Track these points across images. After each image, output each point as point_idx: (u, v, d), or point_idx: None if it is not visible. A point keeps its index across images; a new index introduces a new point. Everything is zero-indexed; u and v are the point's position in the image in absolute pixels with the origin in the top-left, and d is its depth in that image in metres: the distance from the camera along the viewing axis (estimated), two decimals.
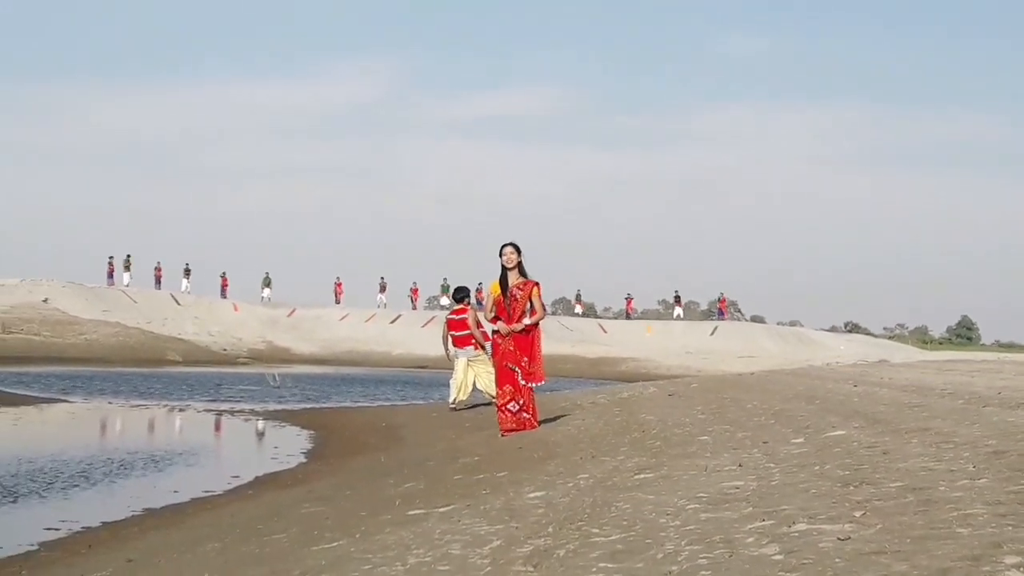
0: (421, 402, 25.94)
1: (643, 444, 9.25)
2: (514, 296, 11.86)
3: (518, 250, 11.97)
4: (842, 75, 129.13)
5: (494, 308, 12.03)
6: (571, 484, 7.21)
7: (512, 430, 11.85)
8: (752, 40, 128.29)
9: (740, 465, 6.77)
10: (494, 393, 17.34)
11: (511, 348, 11.87)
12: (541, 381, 12.08)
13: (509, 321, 11.85)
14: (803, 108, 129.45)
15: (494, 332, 12.07)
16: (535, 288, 11.93)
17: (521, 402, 11.91)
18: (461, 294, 17.82)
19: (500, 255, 11.96)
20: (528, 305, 11.93)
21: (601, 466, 8.07)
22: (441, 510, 6.99)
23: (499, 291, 11.95)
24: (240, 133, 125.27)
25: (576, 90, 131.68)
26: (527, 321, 11.87)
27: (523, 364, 11.86)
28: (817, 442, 7.57)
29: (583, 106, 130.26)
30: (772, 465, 6.59)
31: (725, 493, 5.64)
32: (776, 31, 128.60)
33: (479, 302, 60.52)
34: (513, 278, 11.91)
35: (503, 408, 11.96)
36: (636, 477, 7.03)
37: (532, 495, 6.93)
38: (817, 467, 6.22)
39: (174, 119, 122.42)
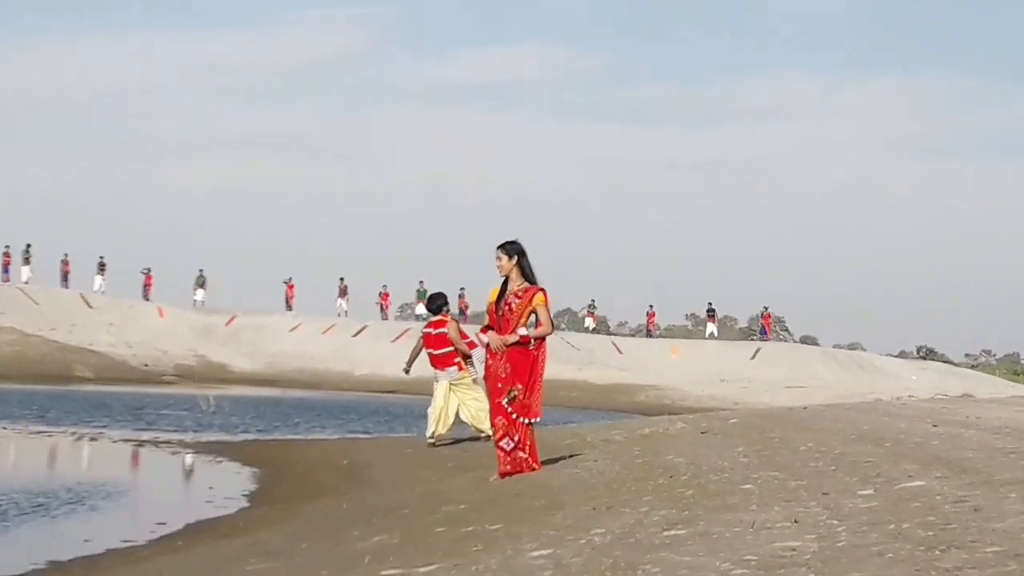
0: (391, 435, 25.92)
1: (672, 493, 9.27)
2: (509, 305, 11.72)
3: (512, 253, 11.73)
4: (932, 40, 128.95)
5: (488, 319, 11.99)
6: (584, 541, 7.21)
7: (507, 473, 11.81)
8: None
9: (796, 521, 6.78)
10: (483, 427, 17.41)
11: (505, 370, 11.68)
12: (536, 417, 11.84)
13: (501, 335, 11.73)
14: (880, 80, 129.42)
15: (486, 347, 12.00)
16: (539, 295, 11.74)
17: (516, 439, 11.79)
18: (437, 302, 17.89)
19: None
20: (530, 318, 11.83)
21: (620, 519, 8.08)
22: (422, 570, 7.00)
23: (495, 298, 11.89)
24: (169, 95, 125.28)
25: (594, 50, 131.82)
26: (523, 331, 11.66)
27: (517, 392, 11.67)
28: (890, 494, 7.58)
29: (602, 71, 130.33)
30: (836, 522, 6.60)
31: (779, 556, 5.64)
32: None
33: (461, 311, 60.82)
34: (514, 284, 11.81)
35: (498, 445, 11.92)
36: (665, 534, 7.03)
37: (536, 553, 6.93)
38: (892, 526, 6.23)
39: (86, 77, 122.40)
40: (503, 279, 11.84)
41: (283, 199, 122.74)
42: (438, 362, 17.64)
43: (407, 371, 18.66)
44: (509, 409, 11.67)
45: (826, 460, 10.28)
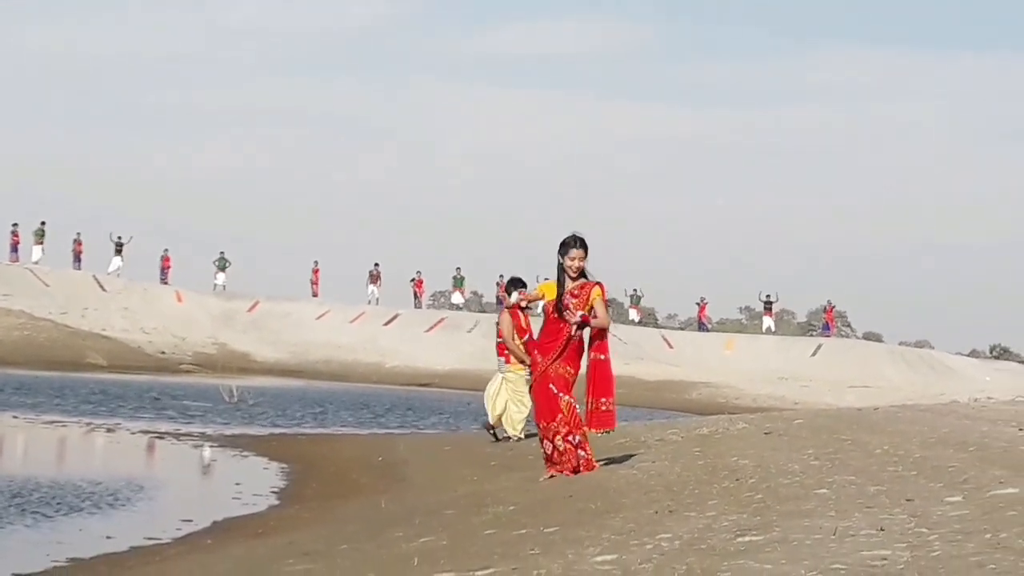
0: (427, 431, 26.00)
1: (739, 496, 9.26)
2: (567, 305, 11.81)
3: (587, 250, 11.85)
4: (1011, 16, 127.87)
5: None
6: (650, 546, 7.20)
7: (568, 471, 11.82)
8: None
9: (881, 529, 6.76)
10: (511, 431, 17.56)
11: (566, 369, 11.82)
12: (613, 427, 12.16)
13: (556, 338, 11.80)
14: (953, 59, 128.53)
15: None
16: (595, 289, 11.84)
17: (577, 439, 11.91)
18: (516, 287, 17.62)
19: (562, 254, 11.81)
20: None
21: (686, 523, 8.08)
22: (478, 574, 7.00)
23: (552, 293, 11.85)
24: (198, 63, 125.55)
25: (651, 24, 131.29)
26: (581, 313, 11.76)
27: (604, 404, 11.90)
28: (981, 501, 7.55)
29: (659, 46, 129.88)
30: (925, 530, 6.57)
31: (869, 565, 5.62)
32: None
33: (499, 301, 60.67)
34: (570, 281, 11.85)
35: (566, 440, 11.88)
36: (739, 540, 7.02)
37: (600, 558, 6.93)
38: (989, 535, 6.20)
39: (110, 43, 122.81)
40: (558, 274, 11.84)
41: (313, 175, 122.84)
42: (499, 349, 17.77)
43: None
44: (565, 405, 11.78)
45: (906, 465, 10.25)
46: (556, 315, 11.82)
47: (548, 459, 12.02)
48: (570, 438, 11.85)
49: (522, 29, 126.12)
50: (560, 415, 11.80)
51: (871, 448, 11.91)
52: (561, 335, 11.80)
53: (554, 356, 11.81)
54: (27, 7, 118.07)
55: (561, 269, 11.83)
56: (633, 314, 67.59)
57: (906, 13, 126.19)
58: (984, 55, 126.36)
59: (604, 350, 12.00)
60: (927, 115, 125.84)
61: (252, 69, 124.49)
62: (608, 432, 12.25)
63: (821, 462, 11.05)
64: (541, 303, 12.17)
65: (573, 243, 11.79)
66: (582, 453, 11.92)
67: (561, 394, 11.80)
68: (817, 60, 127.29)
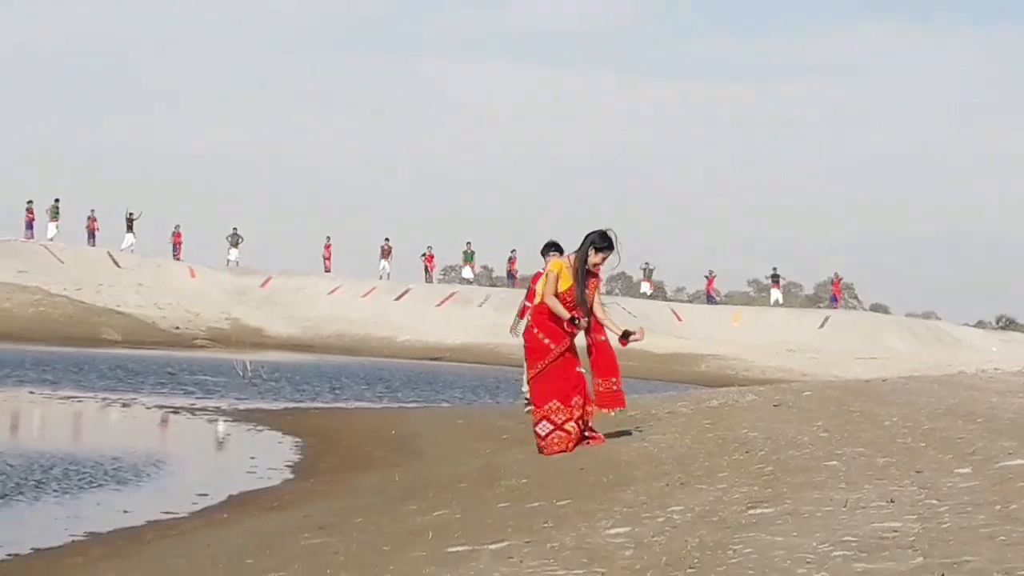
0: (440, 405, 26.01)
1: (750, 468, 9.26)
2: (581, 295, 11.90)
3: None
4: None
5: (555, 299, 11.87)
6: (662, 519, 7.21)
7: (563, 451, 11.79)
8: None
9: (891, 500, 6.75)
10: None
11: (575, 352, 11.94)
12: (624, 406, 12.27)
13: (563, 326, 11.83)
14: (964, 33, 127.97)
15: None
16: (599, 285, 12.06)
17: (588, 421, 11.96)
18: (552, 251, 16.46)
19: (595, 249, 11.70)
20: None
21: (698, 496, 8.08)
22: (492, 547, 7.00)
23: (568, 278, 11.76)
24: (207, 42, 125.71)
25: (655, 1, 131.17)
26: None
27: (615, 384, 11.95)
28: (990, 473, 7.54)
29: (664, 23, 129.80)
30: (935, 502, 6.57)
31: (880, 536, 5.61)
32: None
33: (510, 274, 60.78)
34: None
35: (563, 428, 11.81)
36: (750, 512, 7.02)
37: (612, 531, 6.93)
38: (999, 506, 6.19)
39: (118, 21, 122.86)
40: (580, 262, 11.76)
41: (323, 153, 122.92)
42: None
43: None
44: (592, 396, 11.86)
45: (915, 436, 10.23)
46: (573, 305, 11.74)
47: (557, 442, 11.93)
48: (579, 423, 11.87)
49: (531, 5, 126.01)
50: (577, 397, 11.81)
51: (880, 420, 11.89)
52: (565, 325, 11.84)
53: (567, 343, 11.85)
54: None
55: (583, 260, 11.75)
56: (645, 287, 67.76)
57: None
58: (991, 33, 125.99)
59: (602, 331, 12.06)
60: (934, 89, 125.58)
61: (264, 48, 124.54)
62: (621, 411, 12.32)
63: (830, 434, 11.04)
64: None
65: (610, 247, 11.75)
66: (586, 433, 12.00)
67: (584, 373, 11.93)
68: (826, 35, 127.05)
